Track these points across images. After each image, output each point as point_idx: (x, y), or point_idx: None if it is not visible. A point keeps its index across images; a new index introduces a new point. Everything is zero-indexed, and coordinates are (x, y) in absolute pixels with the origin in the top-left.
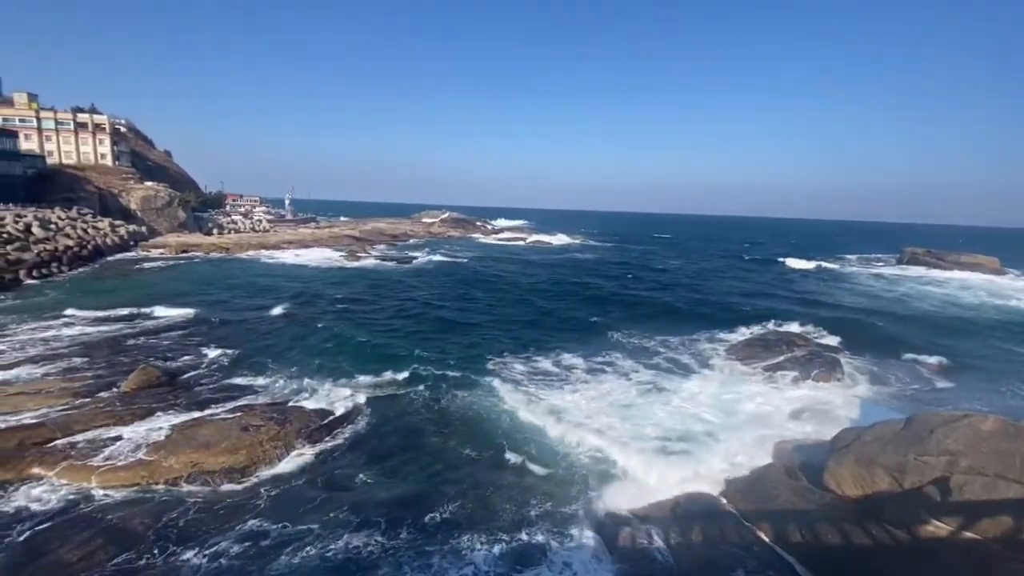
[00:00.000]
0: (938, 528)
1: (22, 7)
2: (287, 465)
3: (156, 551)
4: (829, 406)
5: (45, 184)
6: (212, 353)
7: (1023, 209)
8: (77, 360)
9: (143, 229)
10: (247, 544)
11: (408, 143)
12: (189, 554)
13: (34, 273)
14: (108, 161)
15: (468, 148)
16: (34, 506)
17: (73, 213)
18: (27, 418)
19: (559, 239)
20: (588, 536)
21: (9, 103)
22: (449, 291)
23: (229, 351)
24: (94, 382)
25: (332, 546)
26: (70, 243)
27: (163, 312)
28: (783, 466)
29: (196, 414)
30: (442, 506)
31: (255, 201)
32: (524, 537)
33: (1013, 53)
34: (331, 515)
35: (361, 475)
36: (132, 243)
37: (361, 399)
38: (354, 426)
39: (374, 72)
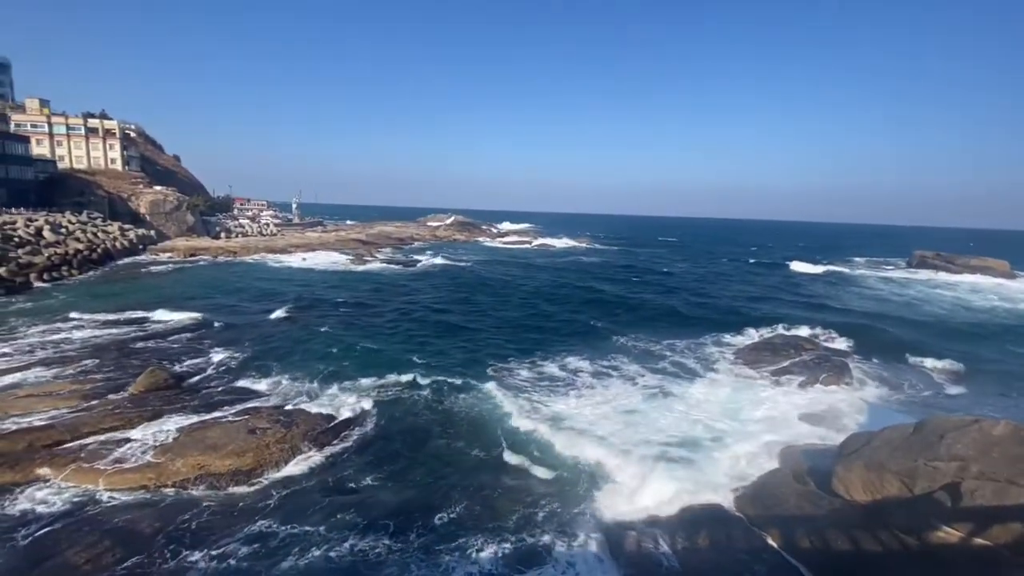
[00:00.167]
0: (948, 534)
1: (35, 15)
2: (293, 468)
3: (164, 553)
4: (837, 410)
5: (56, 188)
6: (219, 356)
7: None
8: (86, 363)
9: (152, 233)
10: (255, 546)
11: (414, 148)
12: (197, 556)
13: (45, 276)
14: (118, 166)
15: (474, 152)
16: (42, 508)
17: (83, 217)
18: (37, 420)
19: (564, 242)
20: (592, 540)
21: (21, 109)
22: (454, 294)
23: (236, 354)
24: (103, 384)
25: (339, 548)
26: (80, 247)
27: (171, 315)
28: (791, 471)
29: (203, 417)
30: (447, 508)
31: (262, 205)
32: (528, 539)
33: None
34: (338, 516)
35: (367, 478)
36: (141, 247)
37: (366, 403)
38: (359, 430)
39: (381, 77)
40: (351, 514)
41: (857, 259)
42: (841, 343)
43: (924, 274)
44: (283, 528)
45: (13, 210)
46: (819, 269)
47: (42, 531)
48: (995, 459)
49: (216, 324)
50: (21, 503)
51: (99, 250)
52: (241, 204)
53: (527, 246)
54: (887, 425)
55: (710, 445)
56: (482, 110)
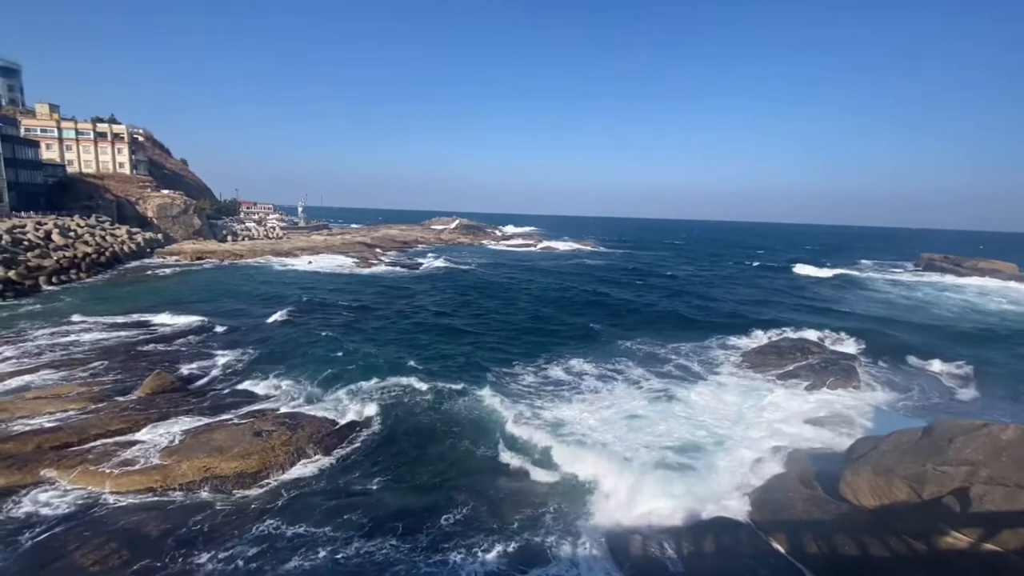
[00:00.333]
0: (958, 540)
1: (46, 22)
2: (299, 470)
3: (170, 555)
4: (845, 414)
5: (65, 192)
6: (225, 359)
7: None
8: (94, 365)
9: (159, 236)
10: (262, 548)
11: (419, 151)
12: (204, 558)
13: (53, 279)
14: (126, 170)
15: (478, 156)
16: (49, 509)
17: (92, 221)
18: (45, 422)
19: (568, 245)
20: (595, 543)
21: (31, 114)
22: (458, 297)
23: (242, 357)
24: (110, 387)
25: (345, 549)
26: (88, 250)
27: (178, 318)
28: (798, 475)
29: (209, 419)
30: (452, 511)
31: (269, 208)
32: (532, 542)
33: None
34: (344, 518)
35: (371, 480)
36: (149, 250)
37: (370, 406)
38: (363, 433)
39: (386, 81)
40: (357, 515)
41: (864, 261)
42: (848, 346)
43: (932, 277)
44: (290, 530)
45: (23, 214)
46: (825, 272)
47: (49, 533)
48: (1004, 463)
49: (222, 327)
50: (28, 505)
51: (107, 253)
52: (247, 208)
53: (531, 249)
54: (895, 429)
55: (715, 449)
56: (486, 114)
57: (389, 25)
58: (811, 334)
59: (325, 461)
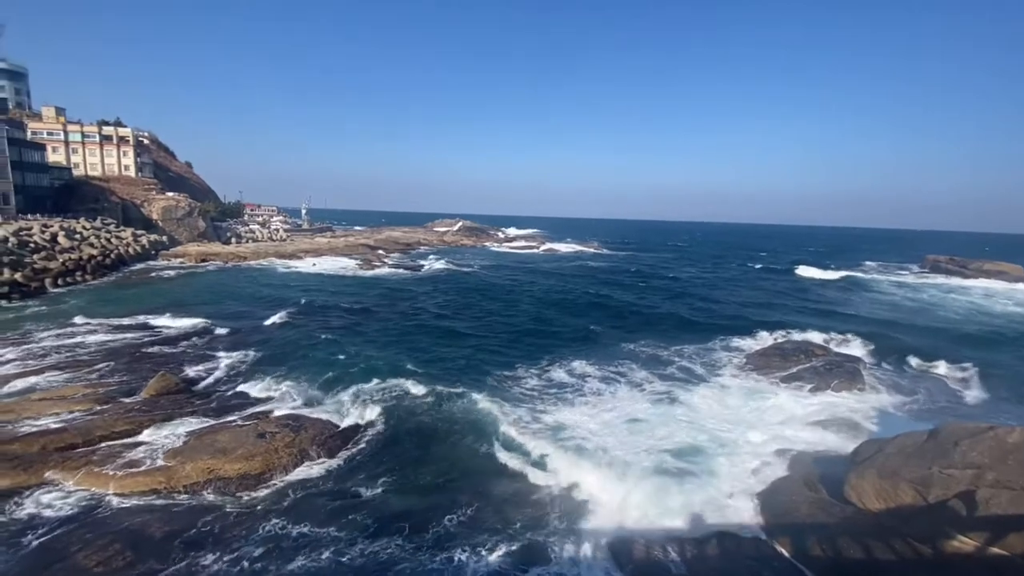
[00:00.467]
0: (963, 543)
1: (53, 25)
2: (302, 472)
3: (174, 556)
4: (849, 417)
5: (71, 195)
6: (229, 360)
7: None
8: (99, 366)
9: (164, 238)
10: (266, 548)
11: (423, 154)
12: (208, 559)
13: (59, 281)
14: (131, 172)
15: (480, 158)
16: (53, 511)
17: (97, 223)
18: (51, 423)
19: (571, 247)
20: (597, 545)
21: (37, 117)
22: (460, 299)
23: (245, 359)
24: (115, 388)
25: (349, 549)
26: (94, 252)
27: (182, 320)
28: (802, 478)
29: (213, 421)
30: (454, 511)
31: (272, 211)
32: (533, 543)
33: None
34: (348, 518)
35: (374, 481)
36: (153, 252)
37: (372, 408)
38: (365, 435)
39: (389, 84)
40: (361, 516)
41: (868, 263)
42: (853, 348)
43: (937, 278)
44: (294, 530)
45: (29, 216)
46: (829, 274)
47: (53, 533)
48: (1011, 467)
49: (226, 329)
50: (33, 506)
51: (112, 255)
52: (251, 210)
53: (534, 251)
54: (900, 432)
55: (718, 452)
56: (489, 116)
57: (392, 27)
58: (815, 336)
59: (328, 463)
